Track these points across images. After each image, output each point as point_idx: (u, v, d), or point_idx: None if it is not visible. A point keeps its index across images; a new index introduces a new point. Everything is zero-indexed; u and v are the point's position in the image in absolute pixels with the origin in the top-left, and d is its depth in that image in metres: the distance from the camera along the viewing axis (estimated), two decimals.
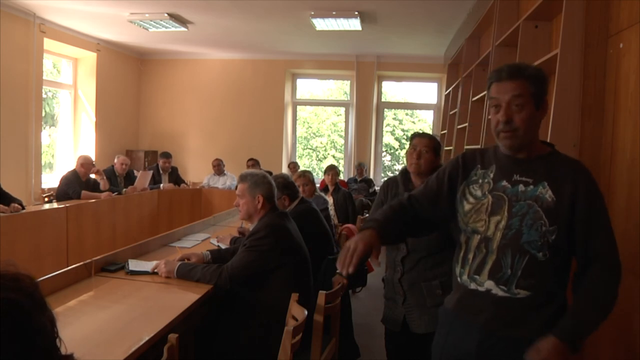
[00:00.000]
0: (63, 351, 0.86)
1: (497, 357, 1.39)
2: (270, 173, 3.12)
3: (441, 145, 2.25)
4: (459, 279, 1.48)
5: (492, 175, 1.44)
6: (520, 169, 1.40)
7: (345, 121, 8.28)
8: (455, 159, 1.57)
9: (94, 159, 5.65)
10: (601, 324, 1.32)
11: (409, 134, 2.36)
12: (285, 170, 7.65)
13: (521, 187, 1.38)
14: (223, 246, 2.98)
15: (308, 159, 9.01)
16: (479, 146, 3.73)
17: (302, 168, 7.11)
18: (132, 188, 5.62)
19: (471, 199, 1.46)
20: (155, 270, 2.34)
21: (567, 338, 1.28)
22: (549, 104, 1.43)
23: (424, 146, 2.17)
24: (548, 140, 2.18)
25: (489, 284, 1.39)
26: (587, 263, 1.35)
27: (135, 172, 6.34)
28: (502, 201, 1.39)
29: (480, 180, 1.46)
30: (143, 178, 5.76)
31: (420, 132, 2.32)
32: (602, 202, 1.37)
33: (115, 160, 5.87)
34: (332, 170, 5.27)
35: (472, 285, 1.42)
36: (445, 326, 1.55)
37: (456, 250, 1.52)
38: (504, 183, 1.41)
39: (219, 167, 6.75)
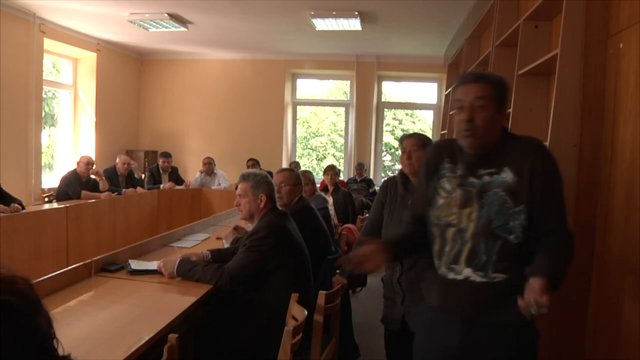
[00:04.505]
0: (60, 352, 0.86)
1: (482, 345, 1.43)
2: (271, 173, 3.13)
3: (430, 140, 2.25)
4: (437, 271, 1.53)
5: (459, 172, 1.51)
6: (484, 163, 1.48)
7: (345, 121, 8.27)
8: (425, 155, 1.66)
9: (94, 158, 5.64)
10: (563, 278, 1.37)
11: None
12: None
13: (487, 178, 1.46)
14: (227, 244, 2.97)
15: (308, 158, 9.01)
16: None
17: (302, 168, 7.11)
18: (132, 190, 5.62)
19: (443, 193, 1.53)
20: (160, 269, 2.33)
21: (549, 275, 1.29)
22: (507, 113, 1.49)
23: (412, 146, 2.21)
24: (548, 141, 2.19)
25: (467, 272, 1.45)
26: (541, 236, 1.40)
27: (135, 172, 6.33)
28: (470, 194, 1.47)
29: (449, 174, 1.53)
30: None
31: (407, 133, 2.35)
32: (557, 178, 1.44)
33: (117, 160, 5.87)
34: (331, 170, 5.27)
35: (451, 275, 1.48)
36: (426, 324, 1.59)
37: (432, 244, 1.55)
38: (471, 179, 1.48)
39: (209, 166, 6.59)
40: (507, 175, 1.43)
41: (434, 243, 1.54)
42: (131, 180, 5.91)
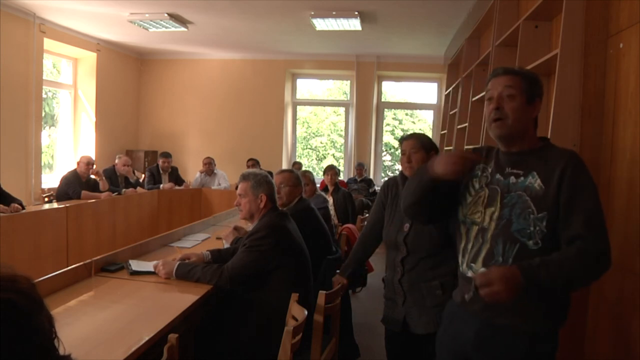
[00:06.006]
0: (61, 351, 0.86)
1: (494, 347, 1.42)
2: (271, 173, 3.12)
3: (430, 140, 2.23)
4: (460, 268, 1.55)
5: (490, 170, 1.53)
6: (512, 162, 1.48)
7: (345, 121, 8.28)
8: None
9: (94, 159, 5.64)
10: (560, 285, 1.34)
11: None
12: None
13: (512, 179, 1.46)
14: (227, 244, 2.97)
15: (308, 158, 9.01)
16: (478, 146, 3.72)
17: (303, 168, 7.10)
18: (132, 190, 5.62)
19: (472, 192, 1.54)
20: (157, 270, 2.34)
21: (524, 270, 1.28)
22: (539, 107, 1.49)
23: (411, 148, 2.18)
24: None
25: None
26: (564, 244, 1.35)
27: (135, 172, 6.33)
28: (495, 193, 1.47)
29: (480, 174, 1.55)
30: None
31: (406, 134, 2.32)
32: (587, 188, 1.37)
33: (117, 161, 5.87)
34: (331, 170, 5.27)
35: (470, 274, 1.49)
36: (448, 318, 1.61)
37: (458, 241, 1.57)
38: (498, 176, 1.49)
39: (209, 166, 6.59)
40: (534, 181, 1.41)
41: (460, 240, 1.55)
42: (129, 183, 5.91)
